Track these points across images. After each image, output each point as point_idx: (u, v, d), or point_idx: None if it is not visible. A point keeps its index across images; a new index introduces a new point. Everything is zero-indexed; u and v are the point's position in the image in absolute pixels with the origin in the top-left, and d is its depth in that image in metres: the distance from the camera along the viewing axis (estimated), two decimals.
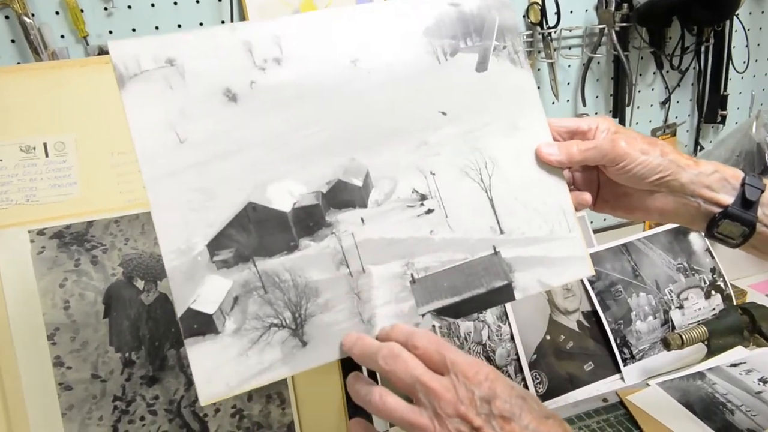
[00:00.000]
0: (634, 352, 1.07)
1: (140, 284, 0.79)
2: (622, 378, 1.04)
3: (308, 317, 0.56)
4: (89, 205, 0.79)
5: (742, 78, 1.51)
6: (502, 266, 0.62)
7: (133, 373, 0.77)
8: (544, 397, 1.00)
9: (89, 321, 0.77)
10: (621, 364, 1.05)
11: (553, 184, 0.65)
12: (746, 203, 0.66)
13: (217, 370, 0.53)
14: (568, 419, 0.91)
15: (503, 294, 0.62)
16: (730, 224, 0.66)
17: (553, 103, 1.32)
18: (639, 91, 1.39)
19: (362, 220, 0.59)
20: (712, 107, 1.46)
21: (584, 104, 1.33)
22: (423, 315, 0.59)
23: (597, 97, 1.37)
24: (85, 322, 0.77)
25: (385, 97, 0.61)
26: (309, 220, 0.58)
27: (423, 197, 0.61)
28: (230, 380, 0.53)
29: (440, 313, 0.60)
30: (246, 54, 0.58)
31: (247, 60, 0.58)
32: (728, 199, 0.66)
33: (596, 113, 1.37)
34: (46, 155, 0.79)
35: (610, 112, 1.38)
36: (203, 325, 0.54)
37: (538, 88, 1.31)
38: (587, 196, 0.68)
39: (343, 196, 0.59)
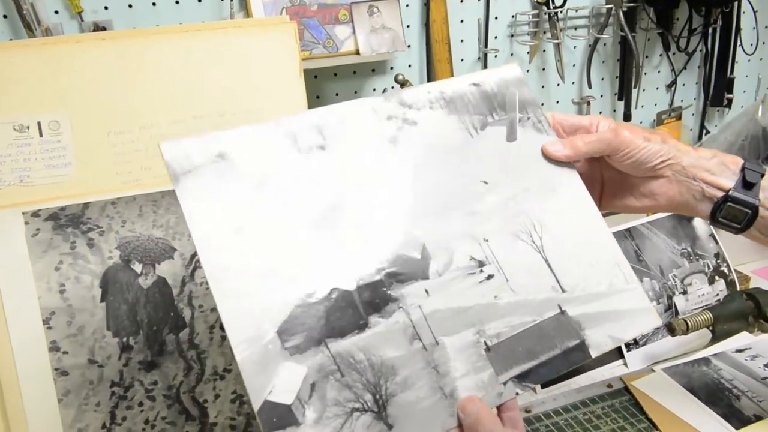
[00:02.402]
0: (637, 338, 1.05)
1: (138, 268, 0.77)
2: (625, 364, 1.03)
3: (389, 397, 0.54)
4: (85, 187, 0.77)
5: (749, 61, 1.49)
6: (572, 325, 0.62)
7: (131, 358, 0.76)
8: (549, 383, 0.99)
9: (86, 305, 0.75)
10: (624, 349, 1.04)
11: (601, 238, 0.67)
12: (747, 185, 0.67)
13: None
14: (572, 405, 0.91)
15: (579, 353, 0.61)
16: (734, 208, 0.67)
17: (558, 84, 1.30)
18: (645, 74, 1.36)
19: (426, 291, 0.59)
20: (718, 90, 1.44)
21: (590, 86, 1.31)
22: (504, 383, 0.58)
23: (603, 79, 1.35)
24: (82, 306, 0.75)
25: (428, 171, 0.63)
26: (375, 297, 0.57)
27: (481, 263, 0.61)
28: None
29: (521, 379, 0.59)
30: (292, 143, 0.60)
31: (293, 148, 0.60)
32: (729, 183, 0.67)
33: (601, 96, 1.35)
34: (41, 135, 0.76)
35: (615, 94, 1.36)
36: (283, 417, 0.51)
37: (543, 69, 1.29)
38: None
39: (404, 269, 0.59)
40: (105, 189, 0.77)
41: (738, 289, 1.16)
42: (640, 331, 0.64)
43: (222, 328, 0.78)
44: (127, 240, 0.77)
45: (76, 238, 0.76)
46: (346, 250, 0.57)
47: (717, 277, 1.17)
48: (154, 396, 0.76)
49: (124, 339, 0.76)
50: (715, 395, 0.90)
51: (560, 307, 0.62)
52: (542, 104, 1.05)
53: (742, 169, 0.68)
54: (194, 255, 0.79)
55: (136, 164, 0.79)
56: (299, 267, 0.56)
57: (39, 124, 0.76)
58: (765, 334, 1.05)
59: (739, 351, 1.00)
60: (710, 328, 1.03)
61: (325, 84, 1.13)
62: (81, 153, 0.77)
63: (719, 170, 0.68)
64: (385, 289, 0.57)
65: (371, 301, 0.56)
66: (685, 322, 1.00)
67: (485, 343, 0.58)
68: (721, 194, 0.68)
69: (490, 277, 0.61)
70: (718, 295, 1.15)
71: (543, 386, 0.95)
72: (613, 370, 1.01)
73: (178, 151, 0.56)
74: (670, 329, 1.00)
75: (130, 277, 0.77)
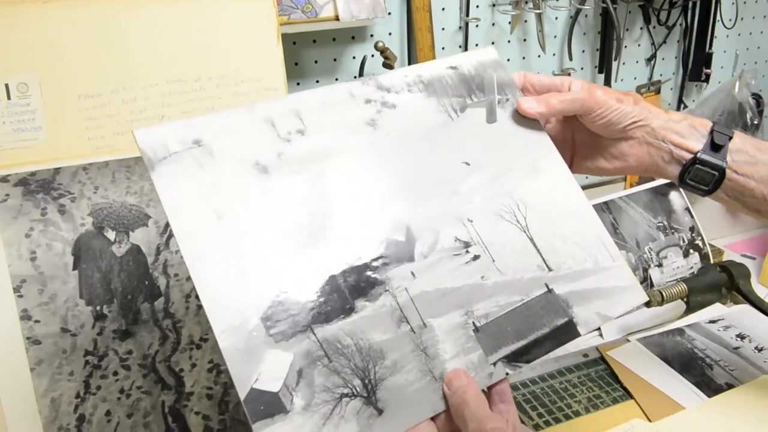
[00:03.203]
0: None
1: (111, 235, 0.76)
2: (601, 334, 1.04)
3: (379, 381, 0.53)
4: (56, 151, 0.75)
5: (728, 36, 1.49)
6: (559, 303, 0.62)
7: (105, 327, 0.74)
8: None
9: (58, 273, 0.73)
10: None
11: (585, 216, 0.67)
12: (715, 147, 0.68)
13: None
14: (549, 374, 0.91)
15: (567, 331, 0.61)
16: (701, 170, 0.68)
17: (539, 56, 1.29)
18: (625, 47, 1.36)
19: (413, 274, 0.58)
20: (696, 65, 1.45)
21: (570, 58, 1.30)
22: (494, 364, 0.58)
23: (583, 51, 1.34)
24: (54, 274, 0.73)
25: (410, 153, 0.63)
26: (360, 281, 0.56)
27: (467, 244, 0.61)
28: None
29: (510, 359, 0.58)
30: (270, 128, 0.59)
31: (272, 134, 0.59)
32: (697, 145, 0.69)
33: (582, 68, 1.35)
34: (8, 97, 0.74)
35: (596, 67, 1.35)
36: (270, 405, 0.50)
37: (524, 40, 1.28)
38: None
39: (389, 252, 0.58)
40: (76, 154, 0.75)
41: (712, 262, 1.17)
42: (627, 307, 0.64)
43: (198, 297, 0.77)
44: (99, 207, 0.75)
45: (47, 205, 0.74)
46: (329, 235, 0.57)
47: (692, 251, 1.19)
48: (129, 365, 0.75)
49: (98, 308, 0.74)
50: (689, 364, 0.92)
51: (547, 286, 0.62)
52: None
53: (711, 132, 0.69)
54: (169, 223, 0.77)
55: (109, 129, 0.77)
56: (282, 253, 0.55)
57: (7, 86, 0.74)
58: (737, 305, 1.07)
59: (712, 322, 1.02)
60: (684, 299, 1.05)
61: (303, 51, 1.11)
62: (51, 117, 0.75)
63: (688, 133, 0.69)
64: (370, 272, 0.57)
65: (357, 285, 0.56)
66: (660, 293, 1.01)
67: (474, 323, 0.58)
68: (689, 156, 0.69)
69: (476, 257, 0.61)
70: (692, 268, 1.16)
71: None
72: (589, 341, 1.02)
73: (153, 137, 0.54)
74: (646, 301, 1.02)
75: (103, 244, 0.75)
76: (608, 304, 0.63)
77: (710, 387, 0.86)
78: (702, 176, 0.69)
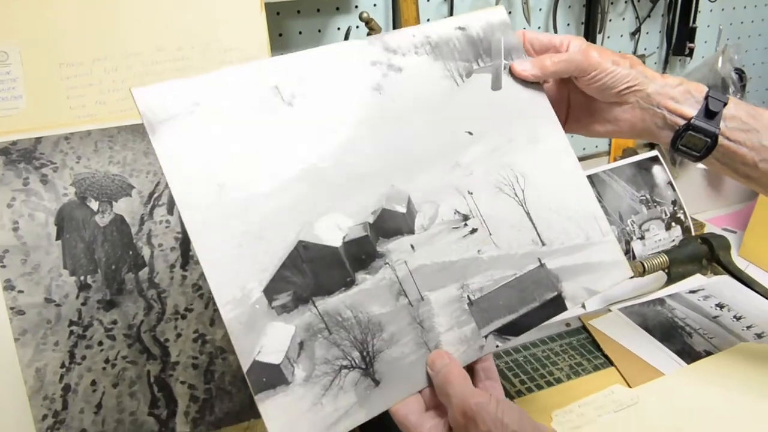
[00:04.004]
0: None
1: (94, 205, 0.75)
2: (583, 306, 1.06)
3: (376, 354, 0.54)
4: (37, 121, 0.74)
5: (711, 11, 1.49)
6: (550, 278, 0.62)
7: (89, 297, 0.74)
8: None
9: (41, 243, 0.73)
10: None
11: (581, 191, 0.67)
12: (709, 114, 0.67)
13: (294, 424, 0.50)
14: (531, 343, 0.93)
15: (555, 305, 0.62)
16: (694, 136, 0.68)
17: (524, 28, 1.29)
18: (610, 20, 1.36)
19: (412, 246, 0.58)
20: (680, 39, 1.45)
21: (555, 31, 1.30)
22: (485, 336, 0.59)
23: (568, 24, 1.34)
24: (37, 244, 0.73)
25: (414, 121, 0.62)
26: (361, 253, 0.56)
27: (465, 217, 0.61)
28: None
29: (501, 332, 0.59)
30: (272, 90, 0.57)
31: (274, 96, 0.57)
32: (692, 111, 0.68)
33: None
34: None
35: None
36: (272, 377, 0.51)
37: (509, 13, 1.28)
38: None
39: (390, 224, 0.58)
40: (58, 123, 0.75)
41: (693, 234, 1.19)
42: (612, 282, 0.65)
43: (182, 267, 0.77)
44: (82, 176, 0.75)
45: (29, 174, 0.73)
46: (331, 203, 0.56)
47: (674, 224, 1.20)
48: (114, 335, 0.75)
49: (82, 278, 0.74)
50: (669, 333, 0.93)
51: (540, 261, 0.63)
52: None
53: (706, 98, 0.68)
54: (153, 193, 0.77)
55: (90, 98, 0.76)
56: (284, 223, 0.54)
57: None
58: (717, 276, 1.09)
59: (693, 292, 1.03)
60: (666, 270, 1.06)
61: (287, 21, 1.09)
62: (32, 85, 0.74)
63: (683, 98, 0.68)
64: (371, 245, 0.57)
65: (358, 257, 0.56)
66: (642, 264, 1.02)
67: (468, 297, 0.59)
68: (683, 122, 0.68)
69: (474, 231, 0.61)
70: (674, 240, 1.18)
71: None
72: (570, 312, 1.03)
73: (153, 98, 0.52)
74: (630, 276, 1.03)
75: (86, 214, 0.75)
76: (595, 278, 0.64)
77: (689, 354, 0.88)
78: (694, 142, 0.68)
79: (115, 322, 0.75)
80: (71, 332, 0.73)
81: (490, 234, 0.62)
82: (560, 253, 0.64)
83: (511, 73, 0.67)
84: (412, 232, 0.59)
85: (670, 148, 0.71)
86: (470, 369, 0.58)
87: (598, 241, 0.66)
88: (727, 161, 0.69)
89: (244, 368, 0.50)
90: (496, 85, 0.67)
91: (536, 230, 0.64)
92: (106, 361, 0.74)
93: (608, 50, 0.69)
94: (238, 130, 0.54)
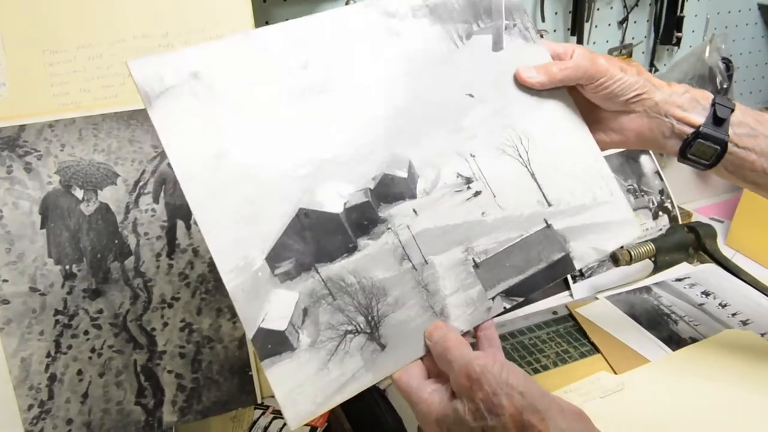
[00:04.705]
0: (583, 270, 1.08)
1: (79, 194, 0.74)
2: (571, 295, 1.06)
3: (381, 318, 0.54)
4: (20, 108, 0.73)
5: (699, 0, 1.50)
6: (557, 238, 0.62)
7: (74, 287, 0.74)
8: None
9: (25, 232, 0.72)
10: (570, 281, 1.07)
11: (586, 150, 0.67)
12: (717, 121, 0.67)
13: (301, 389, 0.51)
14: (518, 330, 0.93)
15: (564, 265, 0.62)
16: (703, 144, 0.67)
17: None
18: (598, 9, 1.36)
19: (414, 211, 0.58)
20: (668, 29, 1.45)
21: (543, 20, 1.30)
22: (492, 298, 0.59)
23: (556, 13, 1.34)
24: (21, 233, 0.72)
25: (412, 85, 0.61)
26: (363, 219, 0.56)
27: (468, 180, 0.61)
28: (316, 397, 0.51)
29: (508, 293, 0.59)
30: (271, 60, 0.57)
31: (275, 65, 0.57)
32: (699, 119, 0.67)
33: (554, 30, 1.35)
34: None
35: (568, 29, 1.35)
36: (277, 343, 0.51)
37: None
38: None
39: (391, 189, 0.58)
40: (42, 111, 0.74)
41: (680, 223, 1.20)
42: (621, 241, 0.65)
43: (169, 255, 0.77)
44: (66, 165, 0.74)
45: (13, 162, 0.73)
46: (331, 170, 0.56)
47: (661, 213, 1.21)
48: (100, 324, 0.74)
49: (67, 267, 0.73)
50: (655, 320, 0.94)
51: (546, 221, 0.63)
52: None
53: (713, 104, 0.67)
54: (138, 181, 0.76)
55: (75, 86, 0.75)
56: (284, 191, 0.54)
57: None
58: (703, 264, 1.10)
59: (679, 280, 1.04)
60: (652, 258, 1.07)
61: (274, 9, 1.09)
62: (15, 72, 0.73)
63: (690, 106, 0.68)
64: (373, 210, 0.57)
65: (359, 223, 0.56)
66: (629, 252, 1.03)
67: (473, 260, 0.59)
68: (691, 131, 0.67)
69: (477, 193, 0.61)
70: (661, 230, 1.18)
71: None
72: (558, 300, 1.04)
73: (149, 70, 0.52)
74: (614, 259, 1.04)
75: (71, 203, 0.74)
76: (603, 238, 0.64)
77: (675, 341, 0.89)
78: (704, 150, 0.67)
79: (101, 312, 0.74)
80: (57, 321, 0.73)
81: (495, 196, 0.61)
82: (567, 213, 0.63)
83: (523, 38, 0.66)
84: (414, 196, 0.59)
85: (679, 158, 0.69)
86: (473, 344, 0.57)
87: (606, 200, 0.65)
88: (736, 169, 0.68)
89: (249, 336, 0.51)
90: (497, 46, 0.66)
91: (542, 191, 0.63)
92: (92, 350, 0.74)
93: (614, 58, 0.68)
94: (237, 99, 0.54)
